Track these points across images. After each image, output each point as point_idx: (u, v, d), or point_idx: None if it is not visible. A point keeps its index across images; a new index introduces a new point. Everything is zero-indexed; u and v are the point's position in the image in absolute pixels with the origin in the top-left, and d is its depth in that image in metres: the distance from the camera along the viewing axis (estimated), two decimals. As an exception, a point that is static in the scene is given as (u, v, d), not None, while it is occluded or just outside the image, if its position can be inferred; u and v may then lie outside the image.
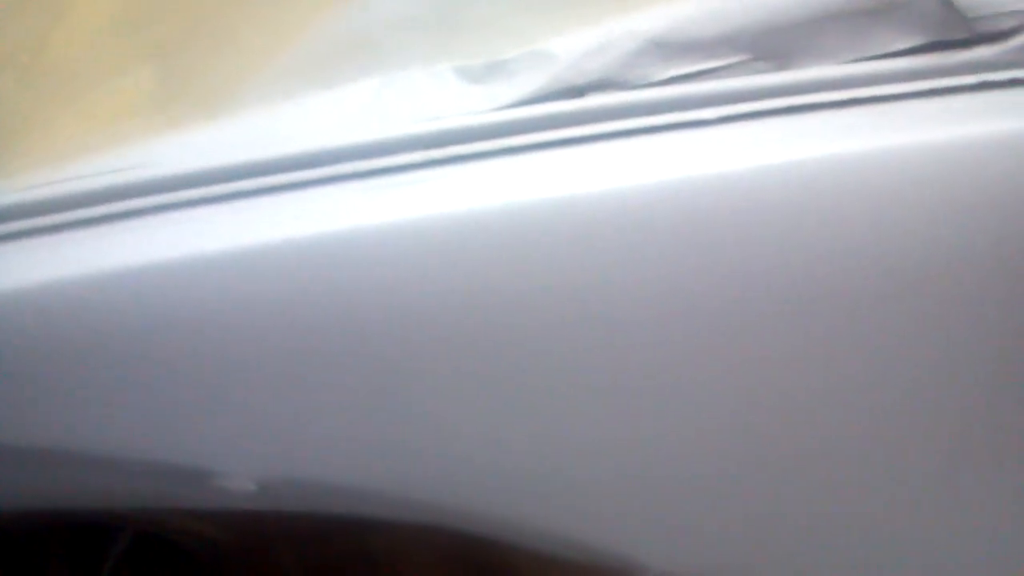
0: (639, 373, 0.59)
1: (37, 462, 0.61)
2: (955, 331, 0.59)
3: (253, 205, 0.54)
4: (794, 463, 0.72)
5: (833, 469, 0.73)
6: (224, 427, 0.60)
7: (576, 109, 0.54)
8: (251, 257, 0.53)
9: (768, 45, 0.54)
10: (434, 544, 1.15)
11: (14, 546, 1.00)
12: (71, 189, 0.55)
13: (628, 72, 0.54)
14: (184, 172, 0.54)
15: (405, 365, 0.58)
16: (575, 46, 0.54)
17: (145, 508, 0.78)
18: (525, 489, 0.67)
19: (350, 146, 0.54)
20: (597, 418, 0.63)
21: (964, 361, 0.61)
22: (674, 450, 0.67)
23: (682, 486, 0.70)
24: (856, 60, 0.55)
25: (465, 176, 0.54)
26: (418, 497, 0.66)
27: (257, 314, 0.54)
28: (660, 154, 0.54)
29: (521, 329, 0.57)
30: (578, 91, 0.55)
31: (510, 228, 0.54)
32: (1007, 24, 0.54)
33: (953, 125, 0.54)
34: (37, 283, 0.53)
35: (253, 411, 0.60)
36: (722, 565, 0.76)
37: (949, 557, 0.84)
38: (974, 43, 0.55)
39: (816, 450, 0.71)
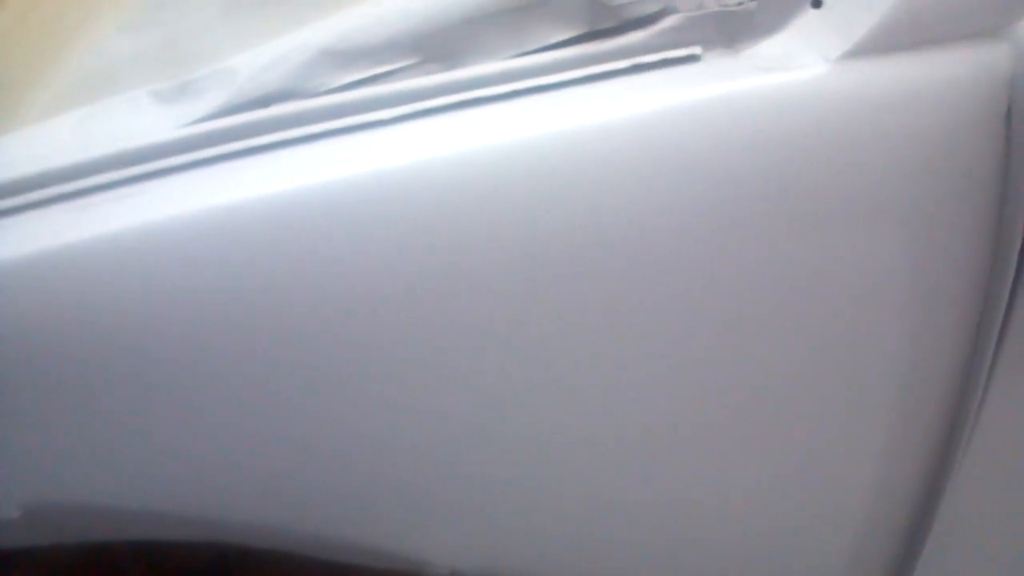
0: (355, 370, 0.62)
1: None
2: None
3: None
4: (579, 457, 0.74)
5: (623, 461, 0.75)
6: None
7: (258, 119, 0.58)
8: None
9: (434, 47, 0.59)
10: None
11: None
12: None
13: (306, 81, 0.58)
14: None
15: (136, 374, 0.60)
16: (255, 61, 0.58)
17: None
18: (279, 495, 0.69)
19: (52, 171, 0.58)
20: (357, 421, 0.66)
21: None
22: (454, 447, 0.69)
23: (467, 484, 0.72)
24: (518, 55, 0.59)
25: (159, 190, 0.57)
26: (181, 512, 0.68)
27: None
28: (341, 155, 0.58)
29: (241, 330, 0.59)
30: (263, 102, 0.59)
31: (207, 233, 0.57)
32: (651, 9, 0.59)
33: (611, 107, 0.58)
34: None
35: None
36: (511, 563, 0.78)
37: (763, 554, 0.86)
38: (624, 30, 0.59)
39: (606, 443, 0.73)
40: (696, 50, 0.59)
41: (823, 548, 0.85)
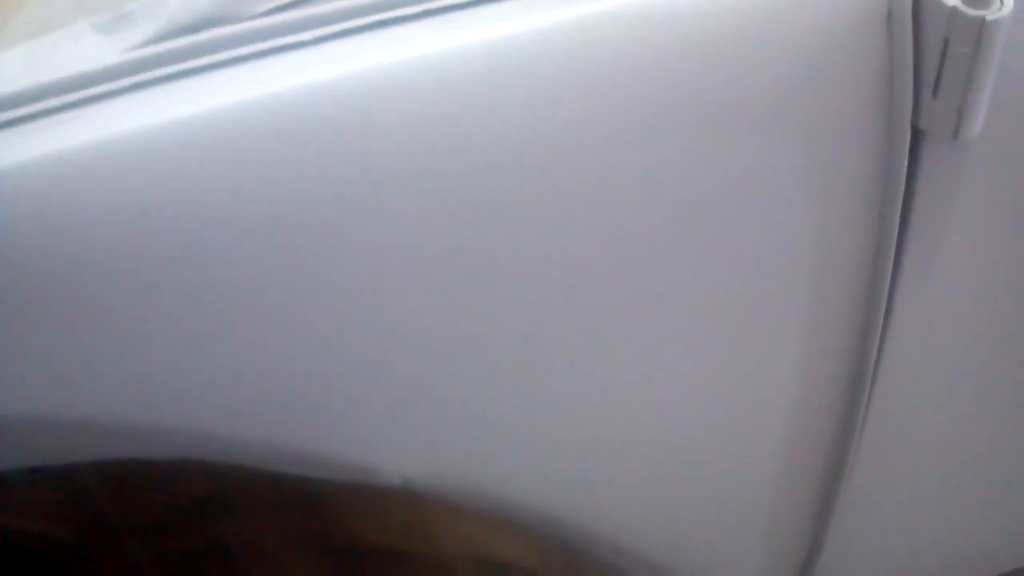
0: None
1: None
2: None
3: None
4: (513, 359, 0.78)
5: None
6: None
7: (188, 44, 0.62)
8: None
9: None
10: (288, 531, 1.20)
11: None
12: None
13: (232, 7, 0.63)
14: None
15: (85, 287, 0.65)
16: (184, -10, 0.63)
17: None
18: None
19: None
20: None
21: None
22: (402, 353, 0.73)
23: (417, 390, 0.76)
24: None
25: (101, 112, 0.62)
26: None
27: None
28: (269, 74, 0.62)
29: (186, 242, 0.64)
30: (194, 29, 0.63)
31: (144, 154, 0.61)
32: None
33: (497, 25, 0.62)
34: None
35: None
36: (464, 472, 0.83)
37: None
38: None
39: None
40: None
41: (743, 480, 0.90)
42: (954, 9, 0.60)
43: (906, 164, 0.68)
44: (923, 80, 0.64)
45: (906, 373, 0.83)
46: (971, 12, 0.59)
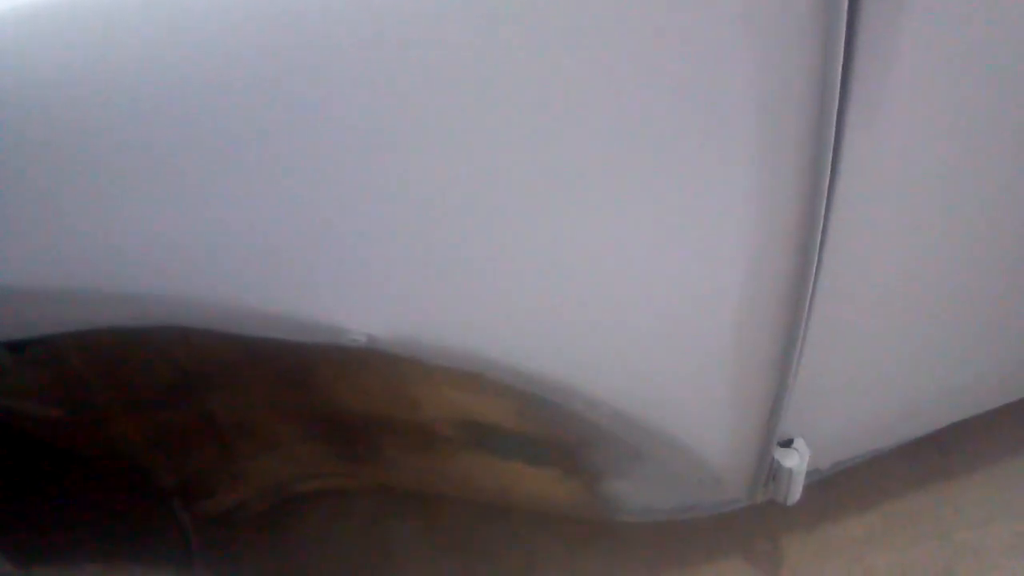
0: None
1: None
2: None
3: None
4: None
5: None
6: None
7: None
8: None
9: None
10: (275, 402, 1.23)
11: None
12: None
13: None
14: None
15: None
16: None
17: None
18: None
19: None
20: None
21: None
22: (364, 212, 0.74)
23: (381, 248, 0.77)
24: None
25: None
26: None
27: None
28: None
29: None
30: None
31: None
32: None
33: None
34: None
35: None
36: (428, 330, 0.85)
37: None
38: None
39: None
40: None
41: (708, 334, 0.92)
42: None
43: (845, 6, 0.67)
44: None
45: (856, 219, 0.84)
46: None
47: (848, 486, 1.39)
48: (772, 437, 1.06)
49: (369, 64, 0.66)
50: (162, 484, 1.30)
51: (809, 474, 1.16)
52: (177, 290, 0.74)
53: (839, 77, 0.71)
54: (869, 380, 1.09)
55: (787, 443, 1.11)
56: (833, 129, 0.74)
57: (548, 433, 1.11)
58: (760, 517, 1.37)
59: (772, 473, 1.11)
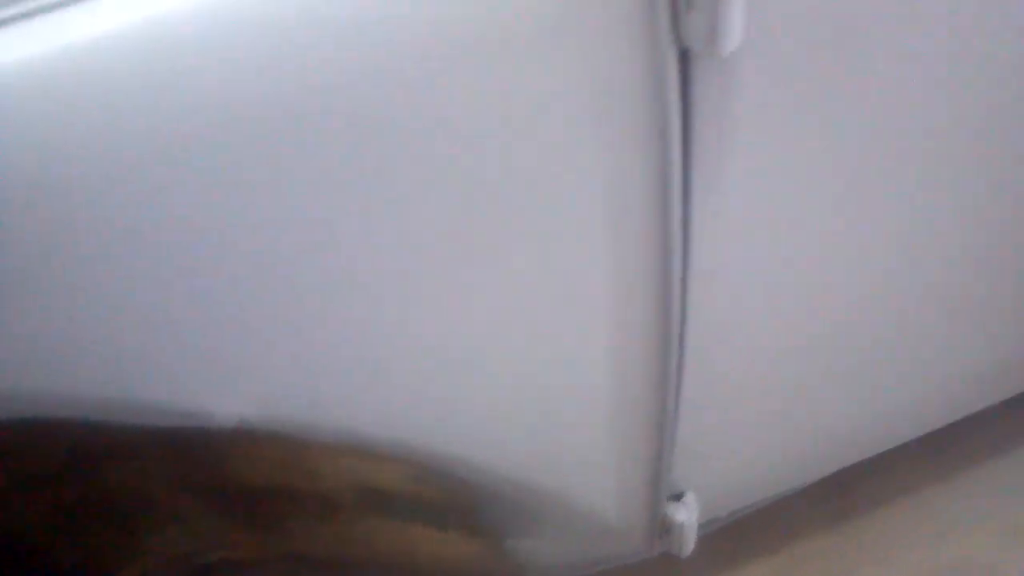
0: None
1: None
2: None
3: None
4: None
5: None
6: None
7: None
8: None
9: None
10: (172, 476, 1.22)
11: None
12: None
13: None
14: None
15: None
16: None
17: None
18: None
19: None
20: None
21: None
22: (228, 291, 0.75)
23: (247, 329, 0.79)
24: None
25: None
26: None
27: None
28: None
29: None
30: None
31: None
32: None
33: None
34: None
35: None
36: (298, 411, 0.86)
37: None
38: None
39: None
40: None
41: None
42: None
43: (676, 77, 0.70)
44: (677, -6, 0.67)
45: (714, 278, 0.87)
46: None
47: (752, 530, 1.42)
48: (660, 493, 1.08)
49: (218, 151, 0.67)
50: (62, 564, 1.28)
51: (708, 523, 1.19)
52: (38, 385, 0.75)
53: (680, 151, 0.75)
54: (753, 430, 1.12)
55: (678, 496, 1.13)
56: (679, 196, 0.78)
57: (445, 497, 1.12)
58: (666, 566, 1.39)
59: (665, 527, 1.13)
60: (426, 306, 0.82)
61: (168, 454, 1.16)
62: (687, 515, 1.11)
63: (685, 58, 0.70)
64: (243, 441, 1.10)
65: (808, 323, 1.00)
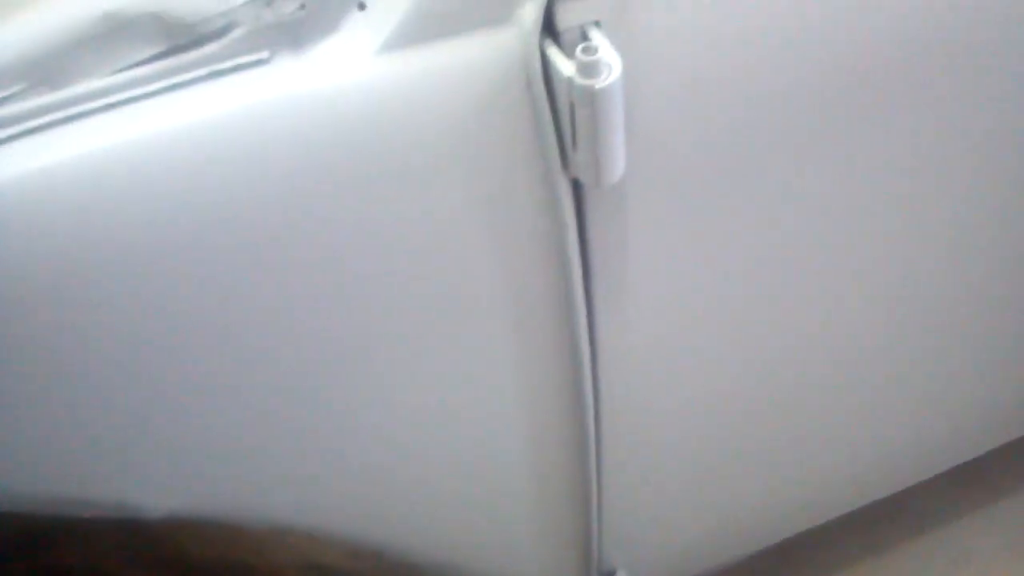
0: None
1: None
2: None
3: None
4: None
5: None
6: None
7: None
8: None
9: (37, 72, 0.69)
10: (121, 551, 1.26)
11: None
12: None
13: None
14: None
15: None
16: None
17: None
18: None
19: None
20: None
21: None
22: (164, 387, 0.79)
23: (182, 424, 0.83)
24: (115, 72, 0.70)
25: None
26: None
27: None
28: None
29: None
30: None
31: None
32: (221, 23, 0.70)
33: (198, 110, 0.69)
34: None
35: None
36: (229, 503, 0.90)
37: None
38: (201, 43, 0.70)
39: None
40: (264, 55, 0.70)
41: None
42: (571, 80, 0.68)
43: (571, 208, 0.76)
44: (564, 136, 0.72)
45: (622, 375, 0.92)
46: (583, 82, 0.67)
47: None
48: (591, 572, 1.12)
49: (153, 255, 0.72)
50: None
51: (645, 598, 1.22)
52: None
53: (578, 261, 0.80)
54: (679, 506, 1.16)
55: (609, 575, 1.17)
56: (581, 297, 0.83)
57: (382, 574, 1.16)
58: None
59: (599, 605, 1.17)
60: (351, 400, 0.87)
61: (120, 532, 1.20)
62: (617, 594, 1.15)
63: (577, 184, 0.76)
64: (191, 519, 1.14)
65: (716, 396, 1.04)
